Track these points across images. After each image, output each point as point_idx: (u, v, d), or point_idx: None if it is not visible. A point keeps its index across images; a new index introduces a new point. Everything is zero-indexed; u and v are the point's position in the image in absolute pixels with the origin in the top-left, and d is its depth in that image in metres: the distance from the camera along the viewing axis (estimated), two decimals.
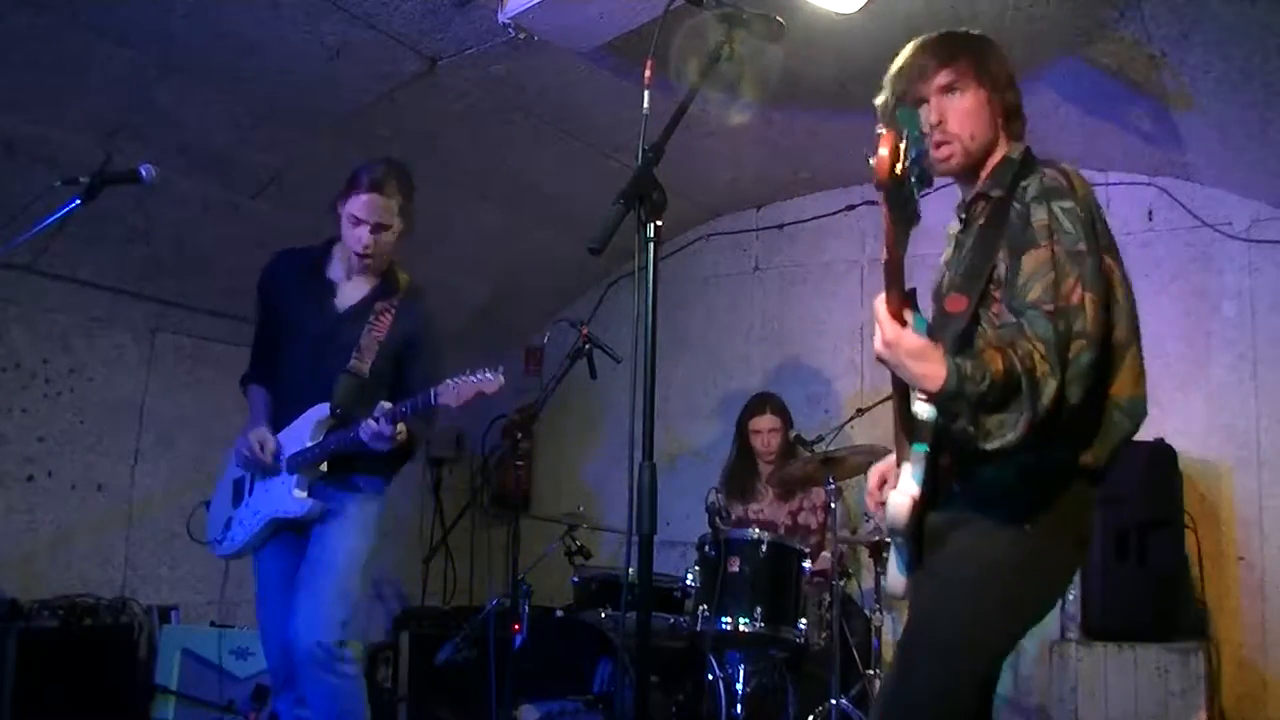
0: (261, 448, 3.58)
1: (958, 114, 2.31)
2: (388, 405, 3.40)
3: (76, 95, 4.27)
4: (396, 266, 3.76)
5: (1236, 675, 4.76)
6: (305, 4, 3.96)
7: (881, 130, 1.77)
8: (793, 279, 6.33)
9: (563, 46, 4.28)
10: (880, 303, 2.01)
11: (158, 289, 5.29)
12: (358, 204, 3.53)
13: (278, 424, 3.67)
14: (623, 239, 1.96)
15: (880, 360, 2.04)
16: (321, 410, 3.55)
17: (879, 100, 2.43)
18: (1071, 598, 4.70)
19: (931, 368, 1.97)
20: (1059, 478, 2.18)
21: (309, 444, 3.55)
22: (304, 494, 3.53)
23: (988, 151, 2.35)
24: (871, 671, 4.58)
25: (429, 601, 6.48)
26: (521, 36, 4.17)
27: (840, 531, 4.66)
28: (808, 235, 6.26)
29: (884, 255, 1.93)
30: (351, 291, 3.71)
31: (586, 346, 4.55)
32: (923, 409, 2.16)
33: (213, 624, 5.17)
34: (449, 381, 3.32)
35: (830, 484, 4.55)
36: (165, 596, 5.23)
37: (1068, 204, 2.14)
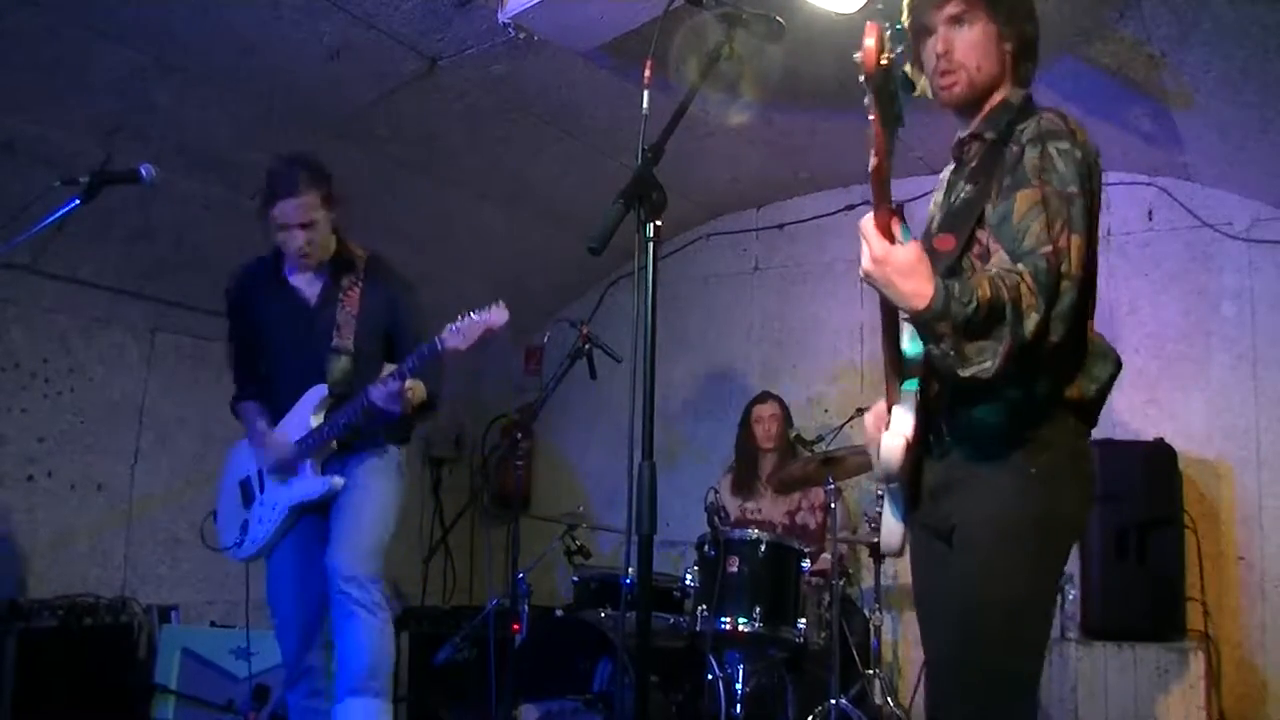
0: (277, 445, 3.63)
1: (964, 45, 2.26)
2: (391, 366, 3.43)
3: (77, 95, 4.27)
4: (349, 245, 3.79)
5: (1236, 675, 4.76)
6: (306, 4, 3.97)
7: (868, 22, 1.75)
8: (792, 279, 6.34)
9: (563, 46, 4.29)
10: (868, 219, 1.96)
11: (158, 289, 5.30)
12: (279, 212, 3.58)
13: (276, 419, 3.71)
14: (623, 239, 1.96)
15: (867, 279, 1.99)
16: (320, 391, 3.58)
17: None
18: (1071, 597, 4.70)
19: (921, 284, 1.93)
20: (1047, 413, 2.16)
21: (313, 425, 3.57)
22: (318, 473, 3.56)
23: (992, 87, 2.30)
24: (871, 671, 4.58)
25: (429, 601, 6.48)
26: (521, 36, 4.17)
27: (840, 532, 4.66)
28: (807, 235, 6.27)
29: (872, 163, 1.86)
30: (314, 283, 3.76)
31: (586, 346, 4.55)
32: (911, 346, 2.15)
33: (213, 624, 5.17)
34: (451, 326, 3.33)
35: (830, 484, 4.55)
36: (165, 596, 5.23)
37: (1064, 145, 2.12)
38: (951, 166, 2.41)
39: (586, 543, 5.10)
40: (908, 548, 2.40)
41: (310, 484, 3.57)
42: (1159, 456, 4.70)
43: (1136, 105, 4.50)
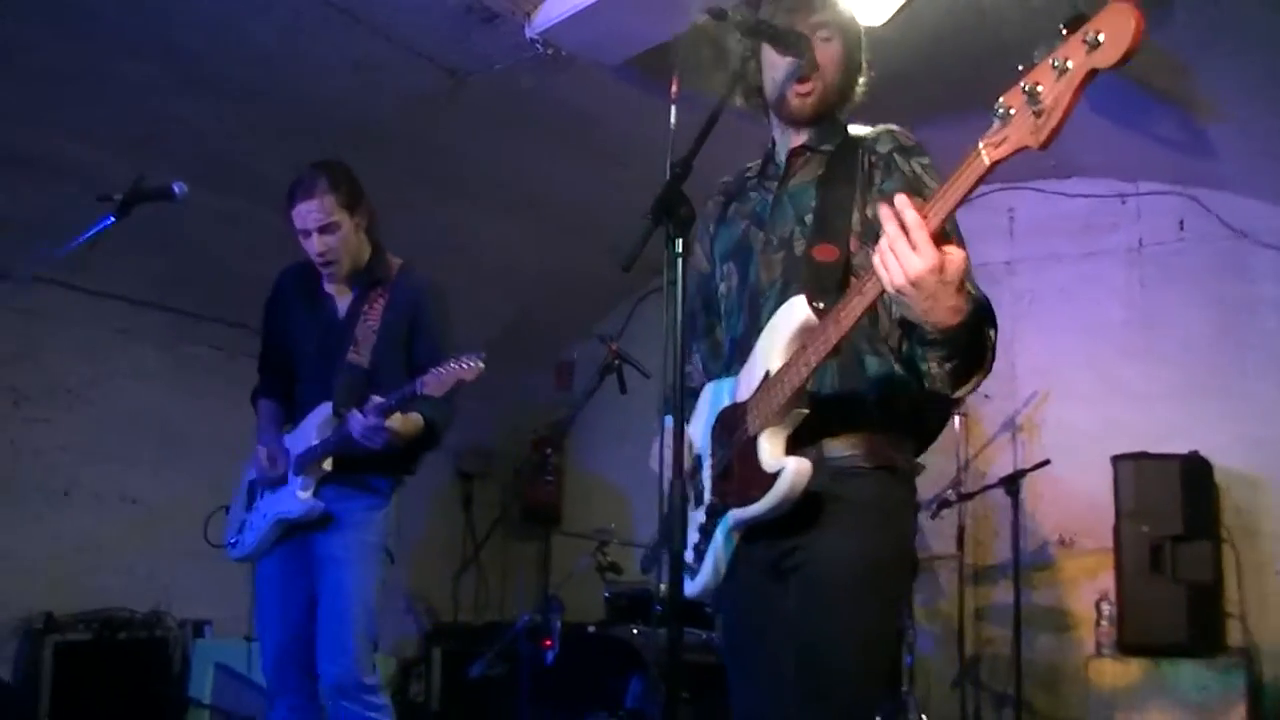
0: (271, 462, 3.59)
1: (825, 55, 2.26)
2: (378, 399, 3.37)
3: (102, 110, 4.34)
4: (384, 255, 3.68)
5: (1277, 689, 4.69)
6: (328, 19, 4.00)
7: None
8: None
9: (589, 61, 4.30)
10: (918, 218, 1.74)
11: (181, 301, 5.35)
12: (296, 215, 3.51)
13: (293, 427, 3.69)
14: (652, 253, 1.96)
15: (914, 289, 1.74)
16: (325, 409, 3.53)
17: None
18: (1106, 612, 4.66)
19: (963, 297, 1.81)
20: (906, 446, 2.21)
21: (314, 443, 3.55)
22: (306, 494, 3.51)
23: (832, 110, 2.32)
24: (905, 689, 4.55)
25: (461, 617, 6.49)
26: (549, 52, 4.19)
27: None
28: None
29: (1032, 145, 1.65)
30: (346, 296, 3.68)
31: (616, 362, 4.55)
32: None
33: (246, 638, 5.20)
34: (433, 370, 3.27)
35: None
36: (195, 609, 5.25)
37: (926, 160, 2.17)
38: (757, 178, 2.42)
39: (618, 558, 5.10)
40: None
41: (293, 501, 3.52)
42: (1193, 469, 4.65)
43: (1165, 115, 4.47)
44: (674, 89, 2.06)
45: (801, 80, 2.24)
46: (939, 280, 1.74)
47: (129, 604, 4.99)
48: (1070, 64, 1.63)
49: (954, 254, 1.75)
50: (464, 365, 3.26)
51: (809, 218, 2.24)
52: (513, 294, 6.38)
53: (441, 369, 3.27)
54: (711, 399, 2.32)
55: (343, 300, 3.69)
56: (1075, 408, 5.36)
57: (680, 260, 1.98)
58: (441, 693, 5.81)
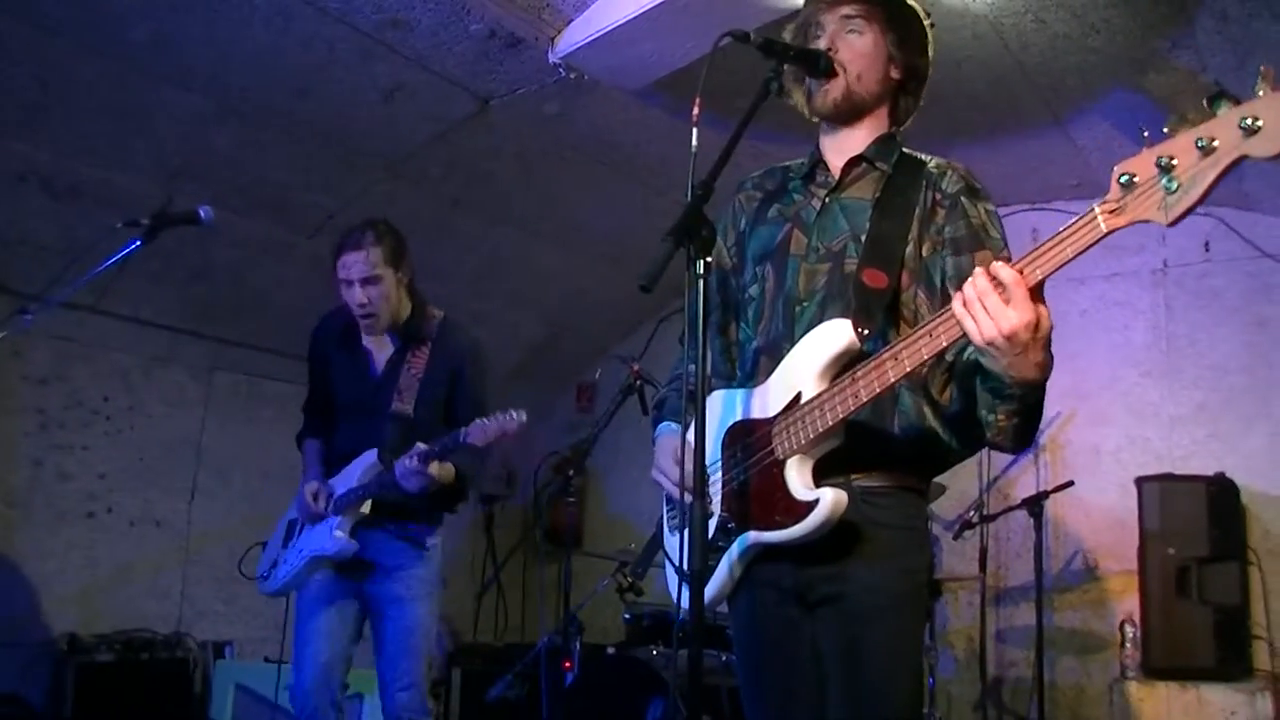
0: (315, 499, 3.65)
1: (851, 50, 2.20)
2: (422, 446, 3.43)
3: (139, 139, 4.38)
4: (427, 309, 3.77)
5: None
6: (361, 47, 4.04)
7: None
8: None
9: (613, 85, 4.32)
10: (1015, 274, 1.71)
11: (216, 328, 5.38)
12: (341, 267, 3.59)
13: (333, 469, 3.75)
14: (674, 275, 1.96)
15: (1009, 342, 1.71)
16: (371, 456, 3.61)
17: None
18: (1131, 634, 4.62)
19: (1049, 353, 1.80)
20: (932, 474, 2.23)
21: (355, 485, 3.59)
22: (342, 534, 3.59)
23: (866, 108, 2.25)
24: (926, 711, 4.51)
25: (481, 638, 6.48)
26: (572, 76, 4.22)
27: None
28: None
29: (1159, 222, 1.59)
30: (385, 347, 3.76)
31: (638, 383, 4.55)
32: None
33: (267, 659, 5.20)
34: (478, 421, 3.39)
35: None
36: (221, 632, 5.28)
37: (992, 206, 2.15)
38: (802, 180, 2.35)
39: (639, 580, 5.08)
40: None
41: (328, 540, 3.59)
42: (1220, 491, 4.62)
43: None
44: (696, 111, 2.06)
45: (825, 78, 2.22)
46: (1033, 336, 1.73)
47: (153, 625, 5.02)
48: (1218, 144, 1.54)
49: (1046, 310, 1.74)
50: (508, 418, 3.38)
51: (864, 237, 2.18)
52: (541, 315, 6.40)
53: (487, 421, 3.40)
54: (722, 409, 2.25)
55: (381, 353, 3.78)
56: (1099, 429, 5.33)
57: (701, 281, 1.98)
58: (461, 714, 5.80)
